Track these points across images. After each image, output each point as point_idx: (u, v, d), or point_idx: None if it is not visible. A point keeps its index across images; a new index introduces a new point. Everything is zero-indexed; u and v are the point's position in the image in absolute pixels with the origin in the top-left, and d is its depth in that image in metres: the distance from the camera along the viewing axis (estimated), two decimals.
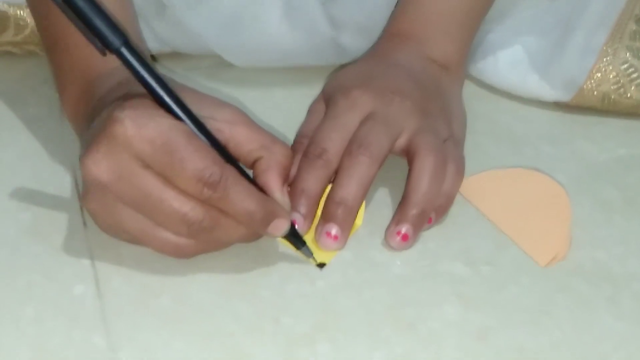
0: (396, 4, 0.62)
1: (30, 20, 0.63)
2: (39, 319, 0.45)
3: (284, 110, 0.60)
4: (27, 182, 0.53)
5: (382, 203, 0.54)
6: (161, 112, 0.45)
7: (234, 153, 0.47)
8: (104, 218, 0.46)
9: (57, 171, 0.55)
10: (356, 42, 0.64)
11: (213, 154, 0.44)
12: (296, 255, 0.49)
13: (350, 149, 0.51)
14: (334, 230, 0.50)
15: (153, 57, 0.65)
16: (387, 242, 0.51)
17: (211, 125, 0.46)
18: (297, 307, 0.47)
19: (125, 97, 0.46)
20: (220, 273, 0.48)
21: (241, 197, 0.45)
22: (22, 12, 0.62)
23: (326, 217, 0.50)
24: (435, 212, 0.51)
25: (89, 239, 0.50)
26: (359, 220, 0.51)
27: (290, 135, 0.56)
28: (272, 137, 0.48)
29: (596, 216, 0.54)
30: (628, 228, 0.54)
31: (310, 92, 0.60)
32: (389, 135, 0.52)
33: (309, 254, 0.49)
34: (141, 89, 0.45)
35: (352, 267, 0.49)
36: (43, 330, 0.45)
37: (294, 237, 0.48)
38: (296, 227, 0.49)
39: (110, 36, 0.44)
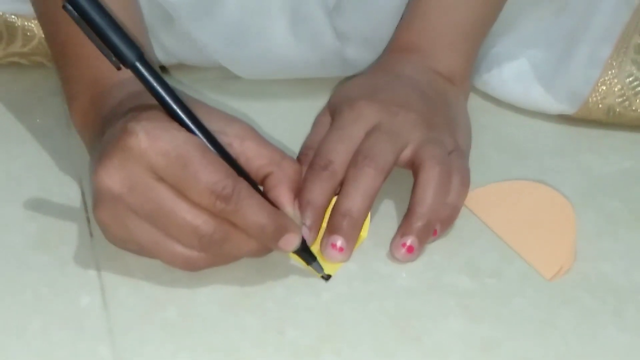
0: (401, 17, 0.62)
1: (38, 31, 0.63)
2: (45, 330, 0.45)
3: (289, 122, 0.60)
4: (34, 193, 0.54)
5: (387, 215, 0.54)
6: (175, 125, 0.45)
7: (243, 167, 0.47)
8: (114, 229, 0.46)
9: (64, 182, 0.55)
10: (361, 55, 0.64)
11: (226, 167, 0.45)
12: (301, 267, 0.49)
13: (355, 161, 0.51)
14: (340, 242, 0.50)
15: (163, 68, 0.65)
16: (392, 254, 0.51)
17: (222, 140, 0.46)
18: (303, 319, 0.47)
19: (139, 109, 0.46)
20: (226, 285, 0.48)
21: (253, 211, 0.45)
22: (29, 23, 0.63)
23: (331, 229, 0.50)
24: (440, 224, 0.51)
25: (95, 251, 0.50)
26: (364, 233, 0.51)
27: (295, 147, 0.56)
28: (282, 153, 0.48)
29: (601, 229, 0.54)
30: (633, 241, 0.54)
31: (316, 104, 0.60)
32: (394, 147, 0.52)
33: (320, 269, 0.49)
34: (153, 101, 0.46)
35: (357, 279, 0.50)
36: (49, 342, 0.45)
37: (305, 252, 0.48)
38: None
39: (126, 51, 0.44)
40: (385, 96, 0.55)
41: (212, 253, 0.46)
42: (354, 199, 0.50)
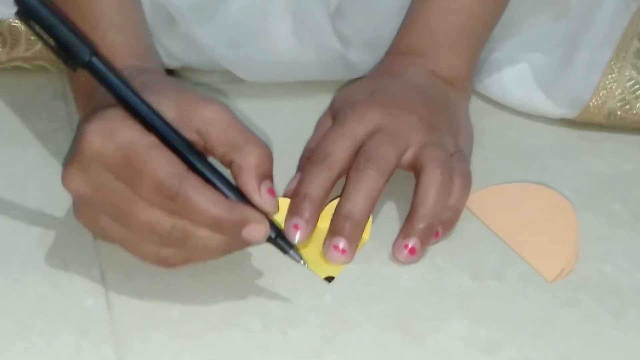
0: (403, 20, 0.63)
1: None
2: (49, 331, 0.45)
3: (292, 125, 0.61)
4: (37, 196, 0.54)
5: (389, 217, 0.54)
6: (129, 123, 0.44)
7: (211, 154, 0.46)
8: (93, 229, 0.47)
9: None
10: (364, 58, 0.64)
11: (174, 164, 0.44)
12: (304, 268, 0.49)
13: (358, 163, 0.51)
14: (342, 243, 0.50)
15: (170, 72, 0.65)
16: (394, 255, 0.51)
17: (189, 126, 0.45)
18: (305, 320, 0.47)
19: (104, 106, 0.46)
20: (229, 286, 0.48)
21: (203, 207, 0.44)
22: None
23: (334, 231, 0.50)
24: (442, 226, 0.52)
25: (98, 252, 0.50)
26: (366, 235, 0.51)
27: (298, 150, 0.56)
28: (247, 137, 0.46)
29: (602, 230, 0.55)
30: (634, 242, 0.54)
31: (318, 107, 0.60)
32: (396, 150, 0.52)
33: (298, 258, 0.48)
34: (149, 88, 0.46)
35: (359, 281, 0.50)
36: (53, 343, 0.45)
37: (281, 241, 0.47)
38: (298, 232, 0.49)
39: (80, 47, 0.44)
40: (387, 98, 0.55)
41: (180, 249, 0.45)
42: (356, 201, 0.50)
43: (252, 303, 0.48)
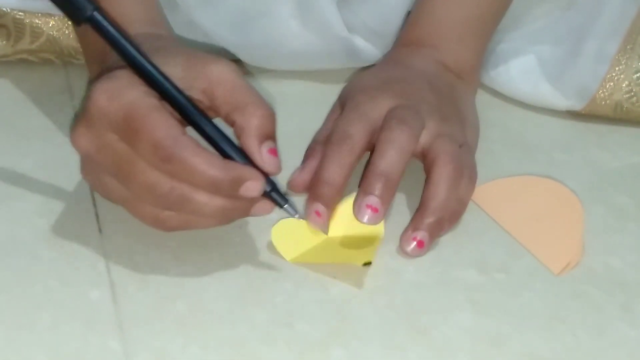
0: (410, 12, 0.62)
1: (45, 28, 0.63)
2: (55, 324, 0.45)
3: (298, 117, 0.60)
4: (43, 189, 0.54)
5: (395, 210, 0.54)
6: (134, 84, 0.45)
7: (217, 113, 0.47)
8: (96, 188, 0.48)
9: (72, 178, 0.55)
10: (369, 46, 0.64)
11: (171, 126, 0.44)
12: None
13: (390, 125, 0.51)
14: (375, 201, 0.49)
15: None
16: (402, 248, 0.51)
17: (196, 86, 0.46)
18: (311, 314, 0.47)
19: (113, 68, 0.46)
20: (235, 279, 0.48)
21: (200, 168, 0.44)
22: (37, 20, 0.63)
23: (367, 189, 0.49)
24: (449, 218, 0.51)
25: (104, 245, 0.50)
26: (381, 232, 0.51)
27: (304, 143, 0.56)
28: (250, 98, 0.46)
29: (609, 223, 0.54)
30: None
31: (325, 99, 0.60)
32: (420, 120, 0.52)
33: (294, 212, 0.48)
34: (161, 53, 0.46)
35: (365, 273, 0.50)
36: (59, 336, 0.45)
37: (276, 194, 0.47)
38: (318, 217, 0.49)
39: (83, 2, 0.45)
40: (397, 86, 0.55)
41: (179, 212, 0.46)
42: (391, 159, 0.50)
43: (258, 296, 0.48)
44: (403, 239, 0.51)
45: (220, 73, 0.46)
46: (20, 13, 0.63)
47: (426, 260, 0.51)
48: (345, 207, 0.51)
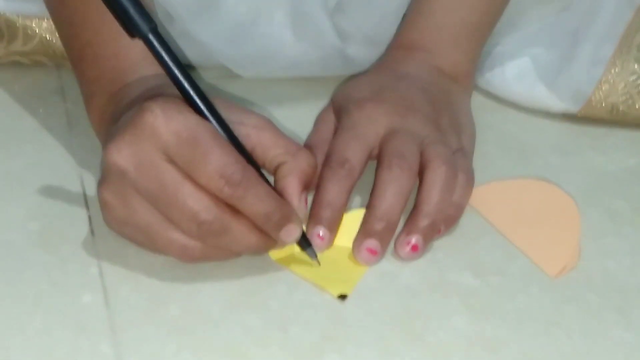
0: (405, 16, 0.62)
1: (38, 30, 0.63)
2: (46, 327, 0.45)
3: (291, 122, 0.60)
4: (35, 192, 0.53)
5: None
6: (190, 109, 0.45)
7: (259, 157, 0.47)
8: (116, 208, 0.46)
9: (65, 181, 0.55)
10: (364, 53, 0.64)
11: (236, 153, 0.45)
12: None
13: (389, 162, 0.51)
14: (376, 245, 0.50)
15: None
16: (396, 252, 0.51)
17: (240, 130, 0.46)
18: (306, 317, 0.47)
19: (155, 96, 0.46)
20: (228, 283, 0.48)
21: (260, 198, 0.45)
22: (30, 22, 0.63)
23: (368, 232, 0.50)
24: (444, 222, 0.51)
25: (97, 248, 0.49)
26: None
27: None
28: (298, 145, 0.48)
29: (605, 227, 0.54)
30: (637, 238, 0.53)
31: (318, 103, 0.60)
32: (417, 147, 0.52)
33: (314, 255, 0.49)
34: (171, 92, 0.46)
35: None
36: (51, 339, 0.44)
37: (302, 239, 0.48)
38: (320, 241, 0.49)
39: (139, 21, 0.44)
40: (391, 97, 0.55)
41: (209, 244, 0.46)
42: (392, 200, 0.50)
43: (251, 300, 0.47)
44: (397, 243, 0.51)
45: (262, 121, 0.48)
46: (14, 15, 0.62)
47: (421, 263, 0.50)
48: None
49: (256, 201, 0.45)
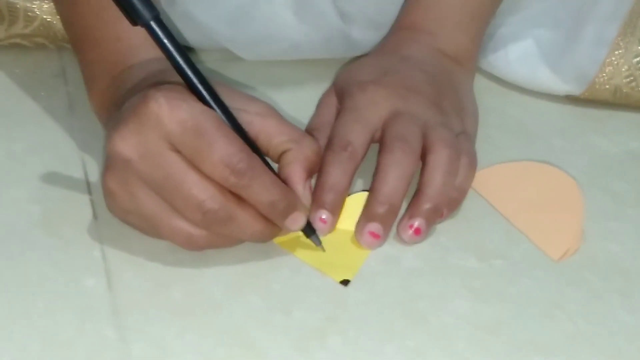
0: None
1: (39, 12, 0.63)
2: (49, 311, 0.45)
3: (293, 104, 0.60)
4: (37, 175, 0.53)
5: None
6: (194, 98, 0.45)
7: (263, 144, 0.47)
8: (120, 197, 0.46)
9: (67, 164, 0.55)
10: (366, 35, 0.63)
11: (241, 142, 0.44)
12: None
13: (391, 146, 0.51)
14: (378, 229, 0.49)
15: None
16: (399, 235, 0.50)
17: (243, 117, 0.46)
18: (308, 301, 0.47)
19: (158, 84, 0.46)
20: (232, 266, 0.48)
21: (266, 186, 0.45)
22: (31, 4, 0.62)
23: (370, 216, 0.50)
24: (447, 206, 0.51)
25: (99, 232, 0.49)
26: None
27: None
28: (302, 132, 0.48)
29: (608, 209, 0.54)
30: None
31: (320, 85, 0.59)
32: (420, 130, 0.52)
33: (318, 242, 0.49)
34: (173, 79, 0.46)
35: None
36: (54, 323, 0.44)
37: (307, 227, 0.48)
38: (322, 224, 0.49)
39: (141, 9, 0.44)
40: (393, 79, 0.55)
41: (214, 232, 0.46)
42: (393, 185, 0.50)
43: (254, 283, 0.47)
44: (400, 226, 0.50)
45: (265, 108, 0.47)
46: None
47: (424, 246, 0.50)
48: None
49: (261, 190, 0.44)
